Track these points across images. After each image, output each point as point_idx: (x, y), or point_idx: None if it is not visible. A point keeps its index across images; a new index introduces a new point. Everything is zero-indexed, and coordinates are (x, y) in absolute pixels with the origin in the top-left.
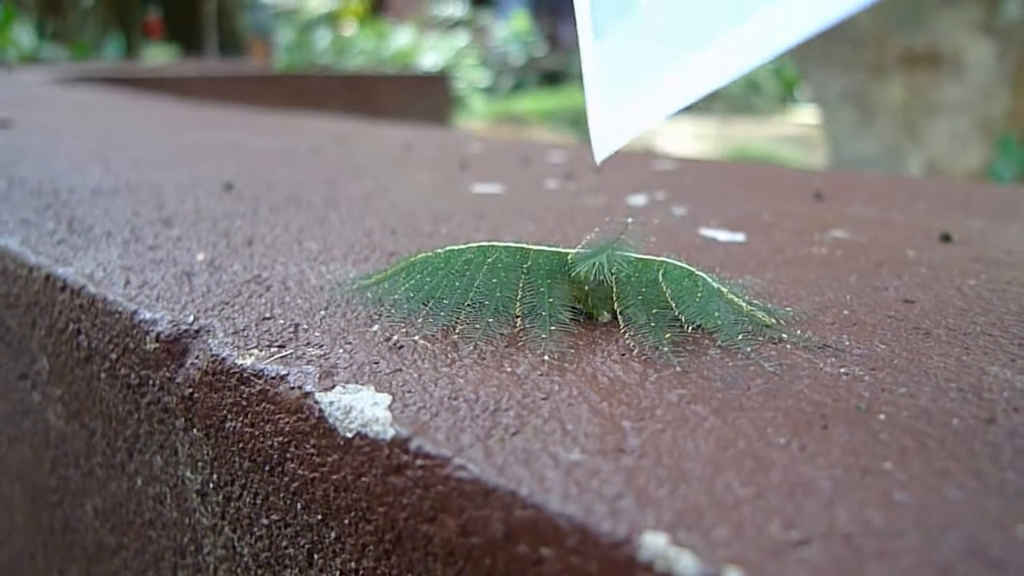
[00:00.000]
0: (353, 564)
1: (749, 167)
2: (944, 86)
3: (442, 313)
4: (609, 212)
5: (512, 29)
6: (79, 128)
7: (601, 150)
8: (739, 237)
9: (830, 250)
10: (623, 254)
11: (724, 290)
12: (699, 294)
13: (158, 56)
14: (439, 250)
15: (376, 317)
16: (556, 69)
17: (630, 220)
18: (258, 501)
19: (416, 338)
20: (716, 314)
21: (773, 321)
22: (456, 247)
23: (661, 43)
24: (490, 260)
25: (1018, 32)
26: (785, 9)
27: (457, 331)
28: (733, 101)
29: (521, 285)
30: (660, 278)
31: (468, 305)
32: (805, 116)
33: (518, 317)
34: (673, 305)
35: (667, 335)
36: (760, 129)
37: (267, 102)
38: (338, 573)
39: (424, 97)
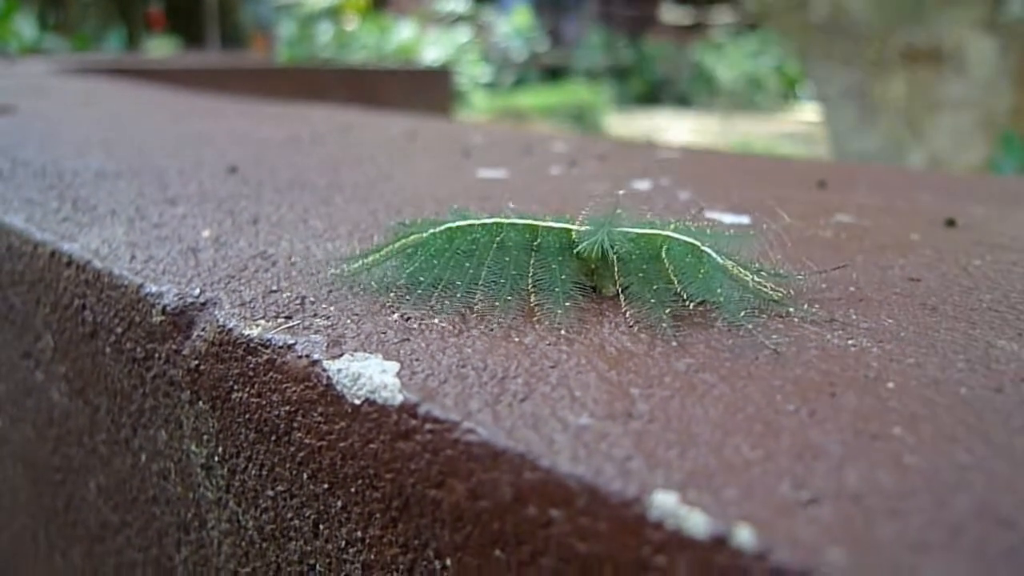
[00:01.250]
0: (359, 533)
1: (752, 158)
2: (946, 83)
3: (458, 295)
4: (613, 195)
5: (514, 24)
6: (82, 115)
7: None
8: (744, 220)
9: (835, 233)
10: (623, 230)
11: (729, 265)
12: (702, 270)
13: (160, 48)
14: (436, 229)
15: (384, 293)
16: (558, 64)
17: (621, 192)
18: (264, 472)
19: (436, 320)
20: (719, 291)
21: (780, 295)
22: (457, 224)
23: None
24: (499, 239)
25: (1020, 29)
26: None
27: (475, 310)
28: (736, 97)
29: (532, 262)
30: (663, 254)
31: (482, 285)
32: (807, 113)
33: (531, 293)
34: (676, 281)
35: (667, 310)
36: (762, 126)
37: (268, 95)
38: (344, 543)
39: (426, 92)
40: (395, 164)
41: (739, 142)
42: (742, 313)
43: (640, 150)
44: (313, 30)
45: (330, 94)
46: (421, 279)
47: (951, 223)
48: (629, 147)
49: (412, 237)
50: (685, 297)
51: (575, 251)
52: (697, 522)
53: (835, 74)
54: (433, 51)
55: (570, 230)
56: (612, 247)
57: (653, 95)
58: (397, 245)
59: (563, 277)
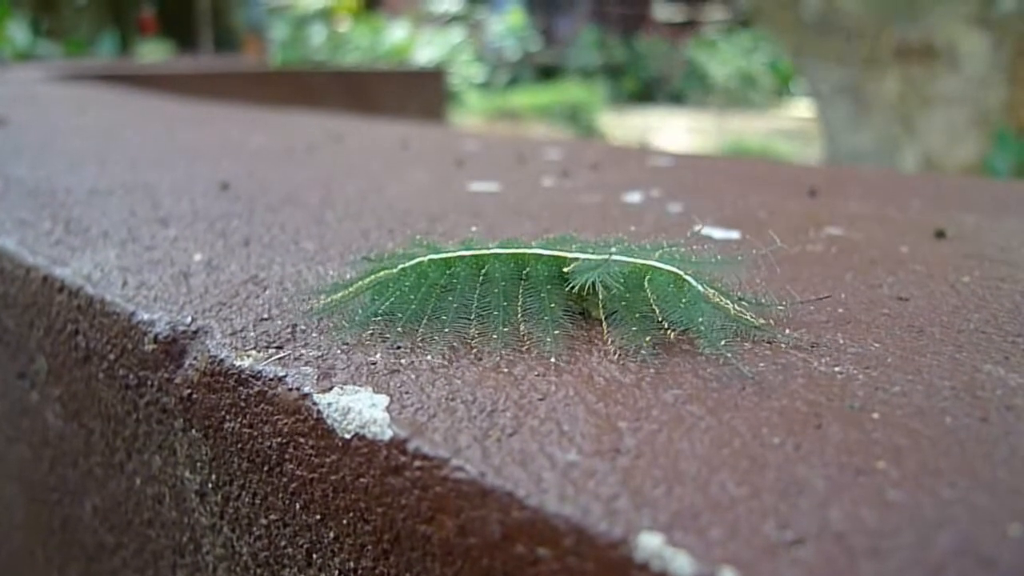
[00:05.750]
0: (352, 564)
1: (744, 163)
2: (939, 79)
3: (446, 329)
4: (604, 210)
5: (507, 24)
6: (75, 126)
7: None
8: (734, 235)
9: (825, 247)
10: (616, 270)
11: (711, 293)
12: (684, 300)
13: (152, 53)
14: (405, 265)
15: (373, 332)
16: (551, 64)
17: (624, 237)
18: (257, 501)
19: (428, 357)
20: (700, 319)
21: (762, 322)
22: (429, 258)
23: None
24: (484, 271)
25: (1013, 24)
26: None
27: (473, 344)
28: (729, 95)
29: (521, 292)
30: (645, 284)
31: (474, 318)
32: (801, 109)
33: (520, 320)
34: (657, 311)
35: (648, 338)
36: (756, 123)
37: (262, 99)
38: (337, 572)
39: (420, 93)
40: (387, 176)
41: (733, 140)
42: (723, 341)
43: (632, 156)
44: (306, 32)
45: (324, 97)
46: (398, 315)
47: (941, 234)
48: (621, 153)
49: (381, 273)
50: (666, 326)
51: (569, 286)
52: (682, 564)
53: (828, 71)
54: (426, 52)
55: (560, 257)
56: (604, 284)
57: (647, 93)
58: (366, 281)
59: (552, 306)
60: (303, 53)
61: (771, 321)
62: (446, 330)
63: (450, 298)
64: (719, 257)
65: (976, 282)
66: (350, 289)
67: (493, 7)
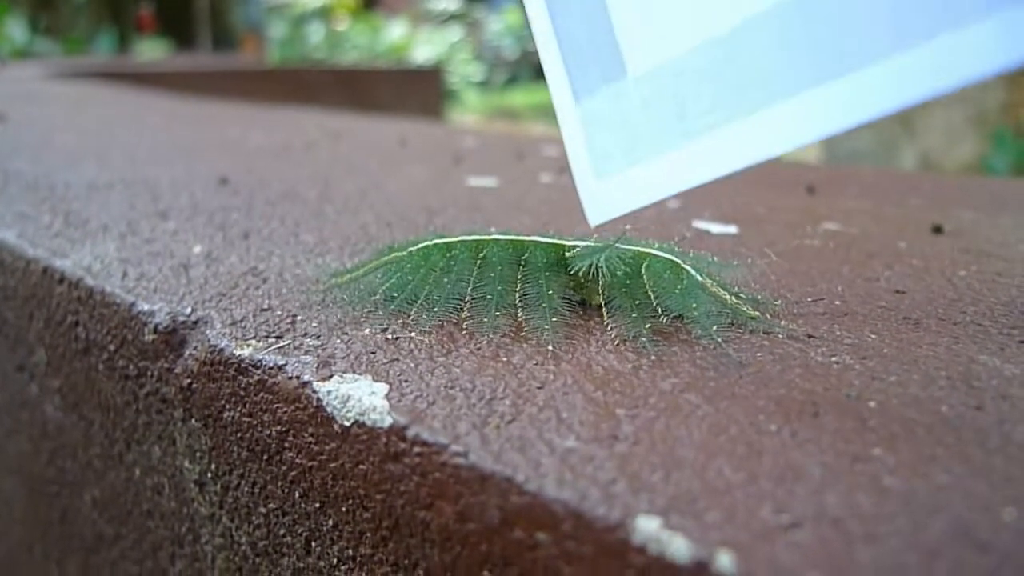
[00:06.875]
0: (351, 551)
1: None
2: None
3: (435, 309)
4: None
5: (506, 23)
6: (73, 123)
7: (595, 218)
8: (732, 229)
9: (822, 242)
10: (619, 254)
11: (709, 283)
12: (679, 287)
13: (151, 51)
14: (411, 248)
15: (371, 309)
16: None
17: (628, 227)
18: (256, 490)
19: (412, 334)
20: (694, 306)
21: (758, 314)
22: (434, 242)
23: (661, 121)
24: (483, 254)
25: None
26: (789, 112)
27: (464, 325)
28: None
29: (519, 277)
30: (643, 270)
31: (468, 299)
32: None
33: (518, 307)
34: (652, 297)
35: (647, 325)
36: None
37: (261, 97)
38: (336, 560)
39: (418, 91)
40: (386, 173)
41: None
42: (714, 327)
43: None
44: (304, 31)
45: (322, 95)
46: (395, 295)
47: (938, 230)
48: None
49: (392, 255)
50: (661, 311)
51: (571, 270)
52: (679, 547)
53: None
54: (425, 50)
55: (559, 245)
56: (607, 267)
57: None
58: (375, 263)
59: (550, 292)
60: (301, 51)
61: (767, 315)
62: (435, 310)
63: (446, 279)
64: (716, 260)
65: (973, 276)
66: (361, 269)
67: (491, 6)
